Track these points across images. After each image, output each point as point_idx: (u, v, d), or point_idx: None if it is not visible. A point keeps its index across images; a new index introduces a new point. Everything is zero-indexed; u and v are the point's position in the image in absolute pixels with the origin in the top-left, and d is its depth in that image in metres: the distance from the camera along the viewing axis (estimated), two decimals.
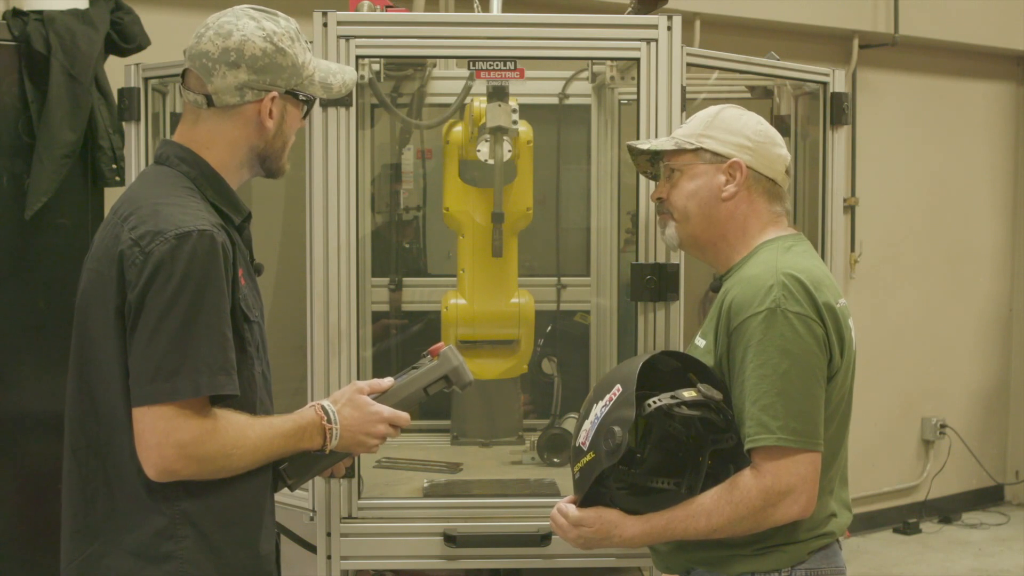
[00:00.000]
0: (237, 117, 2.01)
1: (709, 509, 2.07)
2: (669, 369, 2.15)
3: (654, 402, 2.04)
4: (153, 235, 1.86)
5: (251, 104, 2.01)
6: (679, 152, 2.29)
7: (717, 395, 2.06)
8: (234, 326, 1.92)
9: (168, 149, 2.04)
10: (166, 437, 1.84)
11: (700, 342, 2.22)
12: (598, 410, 2.10)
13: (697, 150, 2.26)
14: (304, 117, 2.11)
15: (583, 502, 2.15)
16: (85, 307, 1.95)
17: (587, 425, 2.11)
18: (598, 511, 2.13)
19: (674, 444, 2.15)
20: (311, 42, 2.69)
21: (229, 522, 1.96)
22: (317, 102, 2.67)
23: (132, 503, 1.91)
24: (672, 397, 2.04)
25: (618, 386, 2.08)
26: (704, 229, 2.27)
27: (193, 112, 2.03)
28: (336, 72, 2.13)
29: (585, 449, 2.11)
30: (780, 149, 2.28)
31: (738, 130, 2.25)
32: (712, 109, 2.31)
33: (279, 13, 2.06)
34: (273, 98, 2.01)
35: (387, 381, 2.20)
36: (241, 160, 2.05)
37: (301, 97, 2.06)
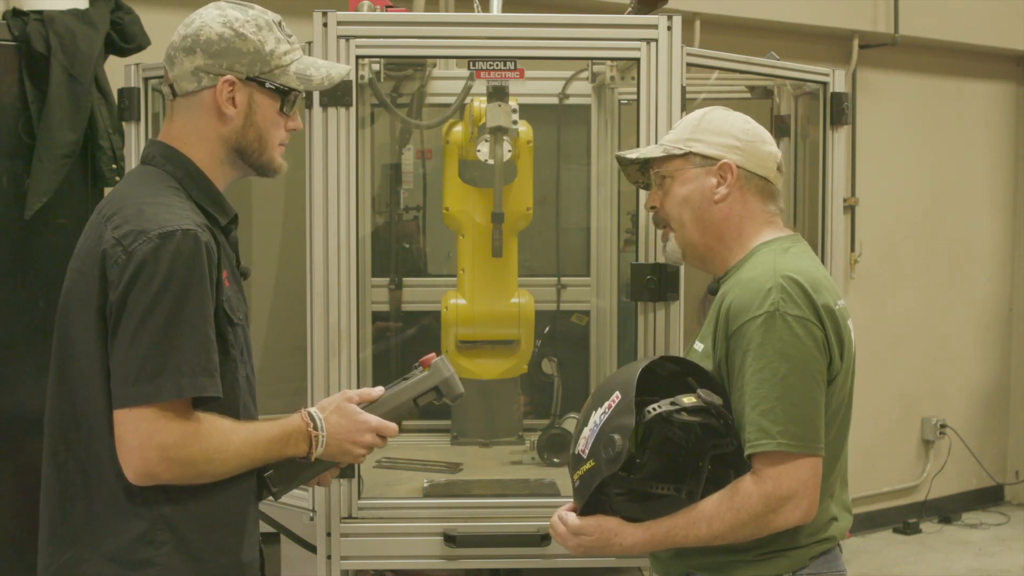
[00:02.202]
0: (199, 105, 1.98)
1: (710, 516, 2.05)
2: (667, 373, 2.14)
3: (654, 408, 2.02)
4: (136, 234, 1.83)
5: (208, 90, 1.97)
6: (668, 158, 2.27)
7: (717, 400, 2.04)
8: (217, 328, 1.89)
9: (154, 149, 2.02)
10: (148, 439, 1.81)
11: (699, 346, 2.21)
12: (597, 417, 2.08)
13: (686, 155, 2.24)
14: (283, 110, 2.04)
15: (583, 510, 2.13)
16: (67, 308, 1.92)
17: (586, 432, 2.10)
18: (598, 519, 2.12)
19: (674, 449, 2.13)
20: (309, 42, 2.69)
21: (210, 528, 1.93)
22: (316, 100, 2.69)
23: (111, 508, 1.88)
24: (672, 403, 2.02)
25: (617, 393, 2.06)
26: (700, 234, 2.26)
27: (169, 107, 2.02)
28: (321, 66, 2.07)
29: (585, 457, 2.09)
30: (769, 146, 2.27)
31: (726, 131, 2.23)
32: (697, 113, 2.30)
33: (255, 5, 2.03)
34: (231, 83, 1.97)
35: (377, 391, 2.16)
36: (220, 156, 2.01)
37: (269, 86, 2.00)
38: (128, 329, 1.81)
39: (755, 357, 2.04)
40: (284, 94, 2.03)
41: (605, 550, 2.13)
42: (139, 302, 1.81)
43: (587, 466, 2.08)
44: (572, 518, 2.14)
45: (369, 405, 2.13)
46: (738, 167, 2.22)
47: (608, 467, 2.03)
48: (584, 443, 2.09)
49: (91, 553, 1.89)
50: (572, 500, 2.18)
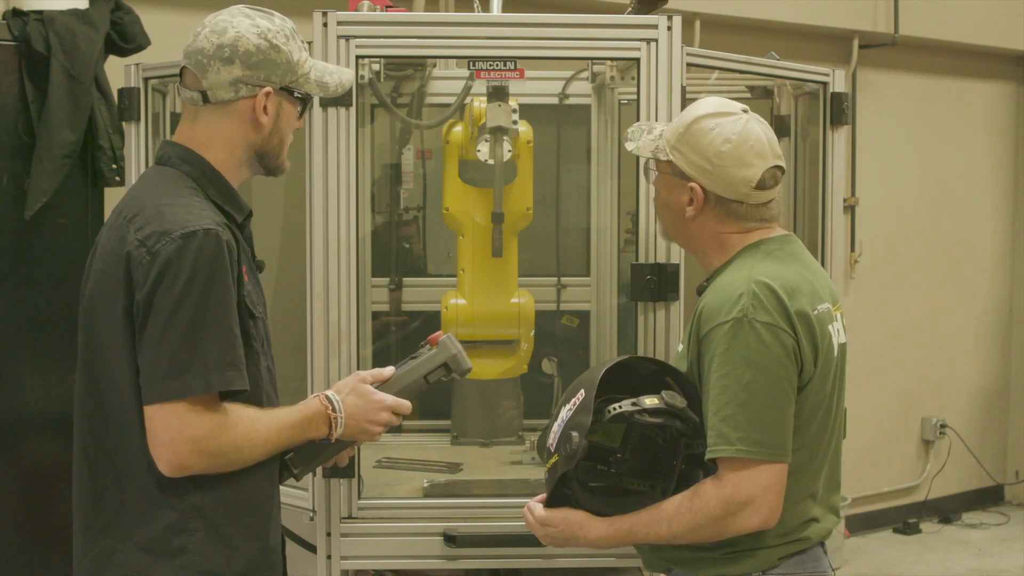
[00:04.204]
0: (232, 113, 2.03)
1: (670, 515, 2.08)
2: (647, 372, 2.17)
3: (615, 408, 2.06)
4: (159, 235, 1.88)
5: (245, 100, 2.03)
6: (656, 159, 2.27)
7: (680, 402, 2.07)
8: (240, 322, 1.95)
9: (169, 150, 2.07)
10: (179, 433, 1.87)
11: (679, 347, 2.24)
12: (564, 413, 2.13)
13: (669, 161, 2.23)
14: (301, 116, 2.13)
15: (548, 502, 2.19)
16: (92, 307, 1.97)
17: (555, 427, 2.15)
18: (564, 512, 2.16)
19: (652, 447, 2.16)
20: (310, 42, 2.69)
21: (239, 514, 1.99)
22: (316, 101, 2.70)
23: (142, 499, 1.94)
24: (633, 404, 2.06)
25: (582, 391, 2.11)
26: (681, 239, 2.32)
27: (191, 111, 2.06)
28: (333, 72, 2.15)
29: (552, 451, 2.14)
30: (746, 170, 2.16)
31: (702, 149, 2.18)
32: (690, 113, 2.23)
33: (275, 13, 2.09)
34: (268, 94, 2.03)
35: (388, 370, 2.24)
36: (240, 158, 2.07)
37: (297, 95, 2.09)
38: (155, 328, 1.87)
39: (720, 363, 2.05)
40: (305, 101, 2.12)
41: (571, 542, 2.17)
42: (165, 301, 1.87)
43: (553, 460, 2.14)
44: (539, 509, 2.19)
45: (382, 384, 2.20)
46: (707, 190, 2.18)
47: (565, 463, 2.08)
48: (552, 437, 2.14)
49: (124, 543, 1.95)
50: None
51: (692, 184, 2.19)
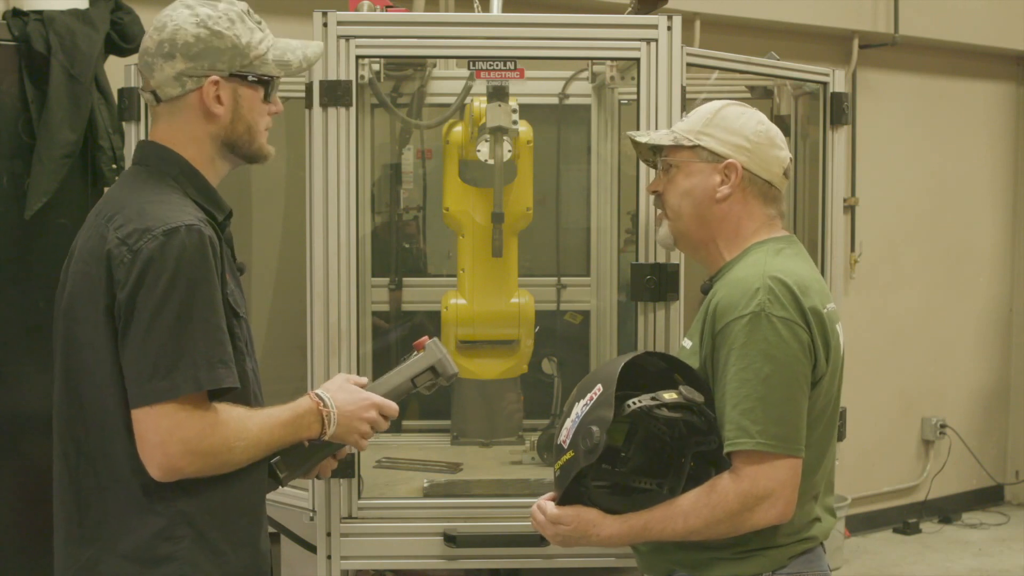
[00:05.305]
0: (185, 109, 1.99)
1: (687, 511, 2.07)
2: (656, 369, 2.15)
3: (634, 403, 2.04)
4: (140, 233, 1.84)
5: (193, 93, 1.98)
6: (677, 148, 2.27)
7: (698, 397, 2.06)
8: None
9: (147, 149, 2.04)
10: (170, 435, 1.82)
11: (687, 343, 2.22)
12: (579, 409, 2.11)
13: (695, 147, 2.24)
14: (268, 98, 2.05)
15: (562, 500, 2.16)
16: (71, 309, 1.92)
17: (568, 423, 2.12)
18: (576, 510, 2.13)
19: (658, 444, 2.15)
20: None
21: (228, 520, 1.94)
22: (316, 100, 2.70)
23: (128, 506, 1.88)
24: (652, 399, 2.04)
25: (599, 386, 2.09)
26: (696, 228, 2.26)
27: (153, 112, 2.03)
28: (296, 48, 2.07)
29: (565, 447, 2.12)
30: (779, 151, 2.25)
31: (737, 130, 2.22)
32: (714, 105, 2.28)
33: None
34: (216, 83, 1.97)
35: (364, 379, 2.21)
36: (209, 153, 2.02)
37: (251, 79, 2.01)
38: (140, 327, 1.82)
39: (739, 356, 2.05)
40: (266, 83, 2.04)
41: (583, 540, 2.15)
42: (149, 300, 1.81)
43: (567, 456, 2.11)
44: (550, 507, 2.16)
45: (368, 385, 2.18)
46: (743, 168, 2.21)
47: (585, 458, 2.06)
48: (566, 434, 2.12)
49: (108, 553, 1.89)
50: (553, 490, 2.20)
51: (730, 161, 2.20)
